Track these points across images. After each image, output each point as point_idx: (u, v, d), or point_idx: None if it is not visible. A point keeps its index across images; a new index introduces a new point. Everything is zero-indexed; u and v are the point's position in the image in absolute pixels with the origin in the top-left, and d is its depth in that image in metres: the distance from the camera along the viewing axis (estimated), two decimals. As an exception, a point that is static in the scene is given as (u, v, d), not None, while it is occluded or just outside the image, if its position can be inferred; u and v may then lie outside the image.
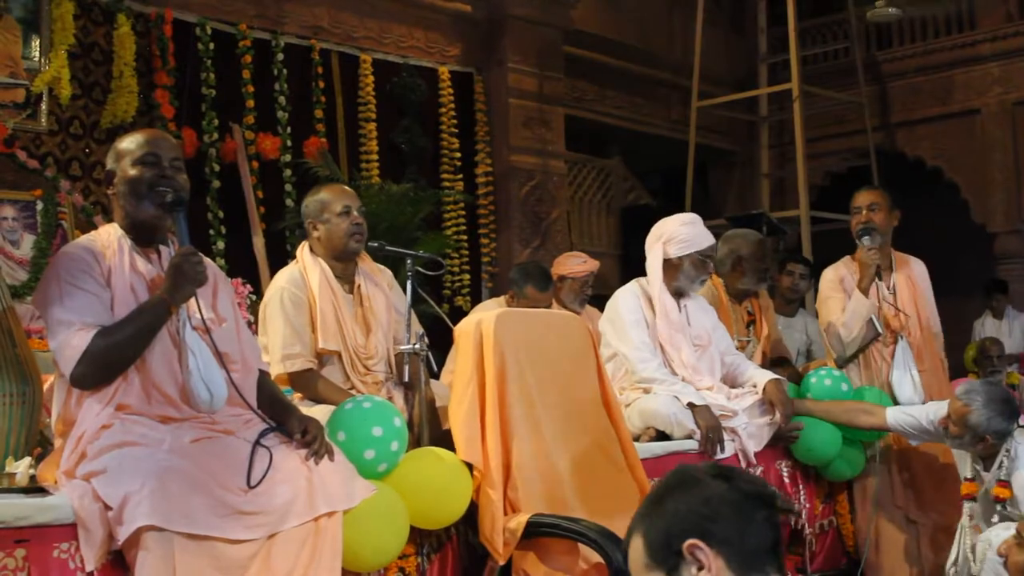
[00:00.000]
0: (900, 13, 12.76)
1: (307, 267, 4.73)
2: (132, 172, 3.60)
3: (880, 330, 5.87)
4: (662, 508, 2.05)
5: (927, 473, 5.77)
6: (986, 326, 10.94)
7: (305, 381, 4.59)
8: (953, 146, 13.79)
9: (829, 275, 6.15)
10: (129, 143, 3.67)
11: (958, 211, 13.71)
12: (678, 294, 5.57)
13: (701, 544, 1.97)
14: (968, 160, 13.68)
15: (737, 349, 5.97)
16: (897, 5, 12.81)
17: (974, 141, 13.61)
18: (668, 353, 5.43)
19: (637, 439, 5.03)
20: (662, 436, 5.16)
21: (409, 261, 4.72)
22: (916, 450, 5.73)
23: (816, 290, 6.36)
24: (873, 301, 5.86)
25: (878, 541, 5.76)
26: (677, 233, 5.50)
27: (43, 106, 8.00)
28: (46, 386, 3.89)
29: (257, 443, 3.48)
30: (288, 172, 9.34)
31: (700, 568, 1.98)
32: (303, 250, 4.83)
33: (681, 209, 11.70)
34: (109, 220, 3.87)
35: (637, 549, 2.06)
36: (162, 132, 4.19)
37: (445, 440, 4.31)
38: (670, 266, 5.49)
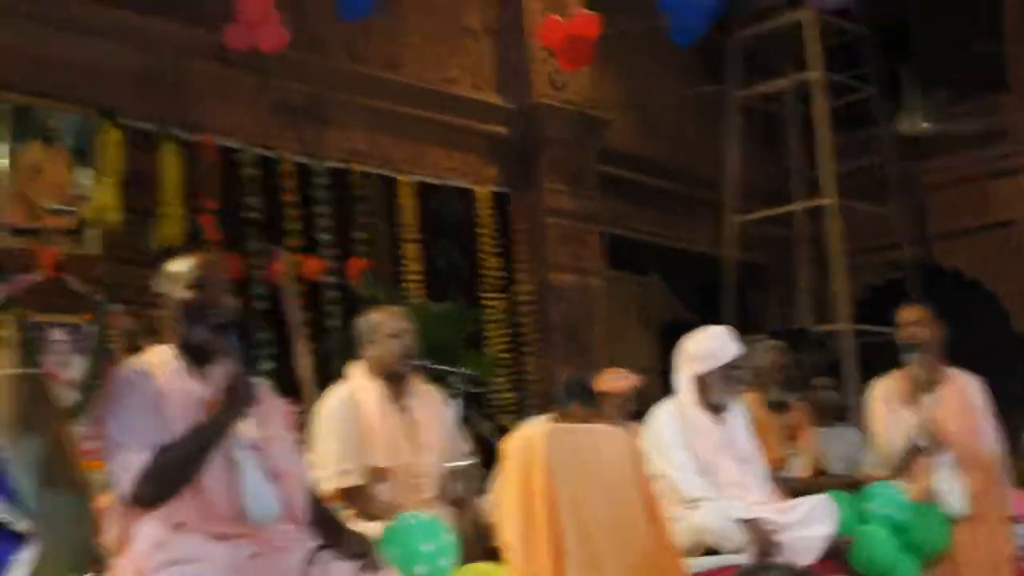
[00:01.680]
0: (930, 126, 12.88)
1: (359, 386, 4.83)
2: (184, 295, 3.69)
3: (923, 444, 5.85)
4: None
5: None
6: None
7: (357, 498, 4.65)
8: (990, 257, 13.80)
9: (875, 391, 6.17)
10: (179, 267, 3.77)
11: (999, 322, 13.67)
12: (717, 409, 5.57)
13: None
14: (1006, 270, 13.68)
15: (777, 461, 5.97)
16: (926, 119, 12.92)
17: (1011, 251, 13.62)
18: (713, 472, 5.42)
19: (686, 555, 5.01)
20: (711, 552, 5.14)
21: (452, 378, 4.80)
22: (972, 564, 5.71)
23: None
24: (916, 416, 5.85)
25: None
26: (700, 351, 5.54)
27: (92, 232, 8.16)
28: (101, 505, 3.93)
29: (311, 560, 3.51)
30: (332, 294, 9.45)
31: None
32: (356, 369, 4.93)
33: (719, 323, 11.80)
34: (158, 342, 3.94)
35: None
36: (211, 256, 4.30)
37: (493, 557, 4.33)
38: (701, 383, 5.51)
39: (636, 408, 7.29)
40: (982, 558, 5.69)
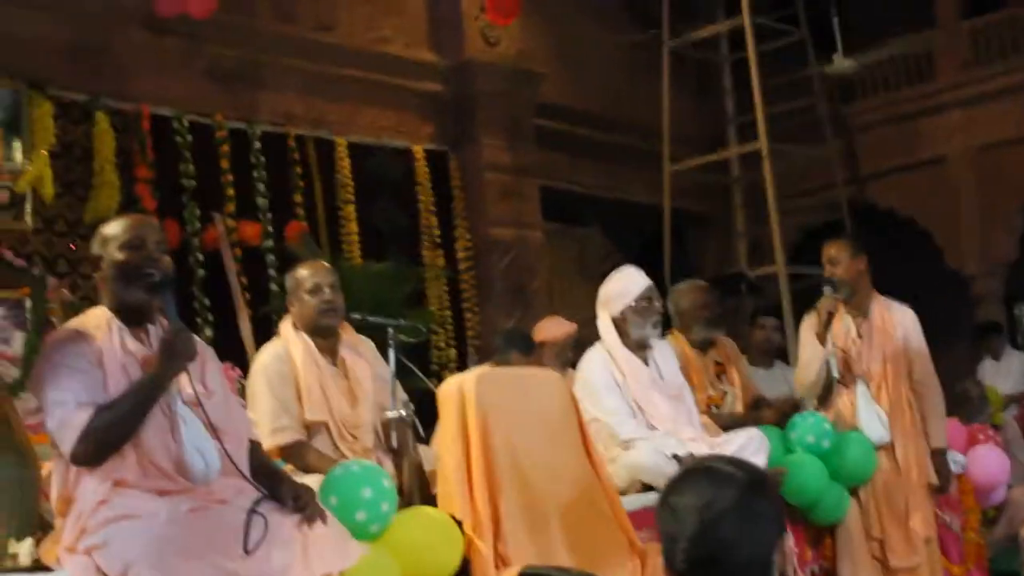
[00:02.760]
0: (856, 65, 13.04)
1: (290, 342, 4.89)
2: (119, 256, 3.73)
3: (835, 374, 5.99)
4: None
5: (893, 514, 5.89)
6: (986, 368, 10.96)
7: (295, 452, 4.71)
8: (923, 194, 14.03)
9: (803, 325, 6.30)
10: (114, 228, 3.80)
11: (932, 259, 13.91)
12: (641, 347, 5.68)
13: None
14: (938, 207, 13.91)
15: (712, 402, 6.11)
16: (855, 58, 13.07)
17: (943, 188, 13.85)
18: (646, 410, 5.53)
19: (624, 493, 5.13)
20: (648, 489, 5.26)
21: (391, 330, 4.87)
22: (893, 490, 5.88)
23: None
24: (830, 347, 5.98)
25: None
26: (610, 292, 5.67)
27: (27, 206, 8.15)
28: (45, 472, 3.99)
29: (252, 510, 3.58)
30: (271, 257, 9.49)
31: None
32: (286, 325, 4.98)
33: (660, 272, 11.94)
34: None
35: None
36: (145, 217, 4.35)
37: (434, 504, 4.42)
38: (619, 324, 5.62)
39: (574, 357, 7.41)
40: (903, 485, 5.86)
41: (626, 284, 5.67)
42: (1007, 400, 10.27)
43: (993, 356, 11.27)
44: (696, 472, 2.35)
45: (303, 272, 5.01)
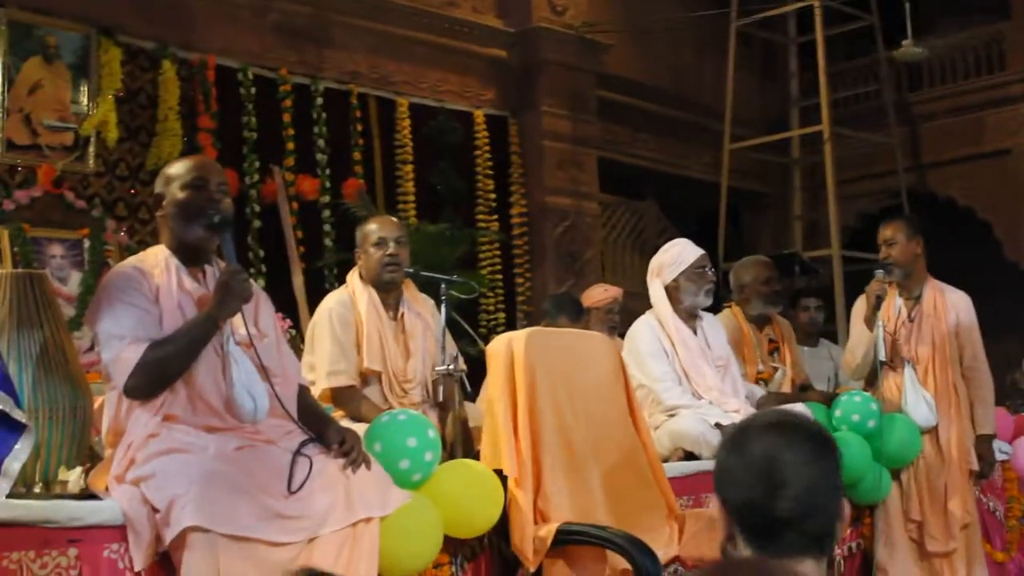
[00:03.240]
0: (926, 52, 12.91)
1: (356, 291, 5.01)
2: (181, 195, 3.78)
3: (882, 358, 5.94)
4: None
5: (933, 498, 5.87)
6: (1031, 364, 10.92)
7: (347, 398, 4.81)
8: (984, 186, 13.89)
9: (855, 307, 6.27)
10: (178, 168, 3.86)
11: (991, 250, 13.77)
12: (691, 317, 5.71)
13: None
14: (1000, 199, 13.76)
15: (763, 377, 6.10)
16: (925, 45, 12.93)
17: (1006, 180, 13.70)
18: (693, 379, 5.56)
19: (666, 460, 5.15)
20: (690, 456, 5.28)
21: (443, 286, 4.93)
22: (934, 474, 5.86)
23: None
24: (878, 330, 5.94)
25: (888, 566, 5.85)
26: (664, 260, 5.69)
27: (91, 149, 8.27)
28: (96, 405, 4.06)
29: (298, 452, 3.63)
30: (327, 213, 9.57)
31: None
32: (353, 275, 5.09)
33: (715, 250, 11.92)
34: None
35: None
36: (208, 158, 4.41)
37: (477, 459, 4.46)
38: (672, 292, 5.64)
39: (621, 327, 7.43)
40: (944, 469, 5.84)
41: (681, 252, 5.70)
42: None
43: (1048, 348, 11.21)
44: (787, 427, 2.20)
45: (371, 226, 5.12)
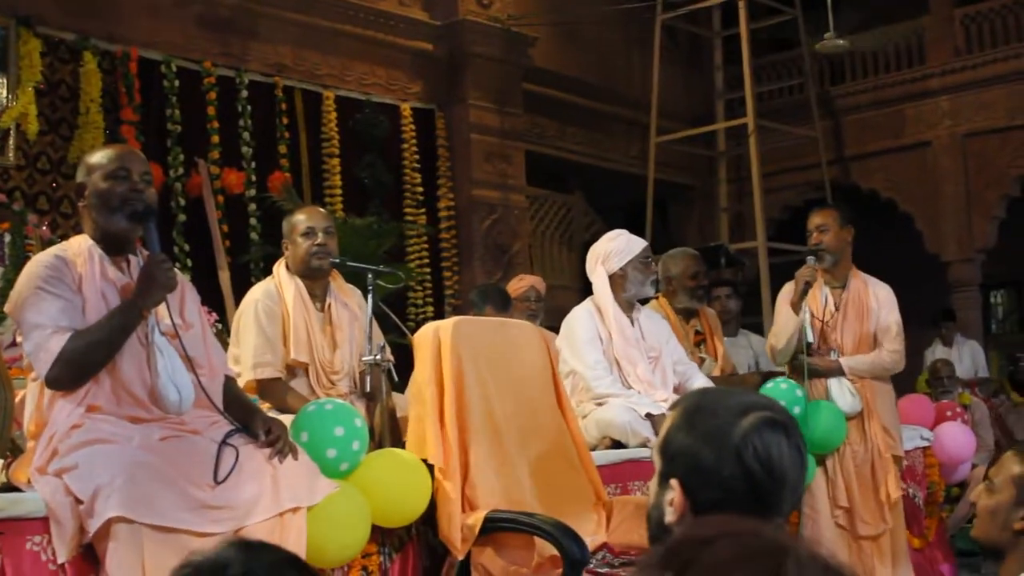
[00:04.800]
0: (847, 44, 13.07)
1: (282, 282, 4.98)
2: (103, 185, 3.74)
3: (809, 339, 6.01)
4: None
5: (861, 483, 5.94)
6: (936, 353, 11.16)
7: (273, 390, 4.78)
8: (906, 178, 14.11)
9: (780, 294, 6.33)
10: (100, 157, 3.81)
11: (913, 242, 13.98)
12: (630, 307, 5.75)
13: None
14: (920, 191, 13.99)
15: (691, 366, 6.16)
16: (846, 38, 13.09)
17: (926, 173, 13.93)
18: (624, 368, 5.61)
19: (594, 448, 5.18)
20: (617, 445, 5.31)
21: (370, 276, 4.93)
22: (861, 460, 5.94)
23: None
24: (804, 314, 6.01)
25: None
26: (611, 248, 5.72)
27: (11, 142, 8.15)
28: (17, 399, 4.01)
29: (224, 442, 3.61)
30: (253, 206, 9.50)
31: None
32: (279, 266, 5.06)
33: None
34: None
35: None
36: (131, 148, 4.35)
37: (404, 448, 4.46)
38: (616, 281, 5.68)
39: (554, 324, 7.45)
40: (866, 455, 5.92)
41: (628, 241, 5.74)
42: (958, 383, 10.39)
43: (944, 342, 11.49)
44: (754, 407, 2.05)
45: (299, 216, 5.12)
